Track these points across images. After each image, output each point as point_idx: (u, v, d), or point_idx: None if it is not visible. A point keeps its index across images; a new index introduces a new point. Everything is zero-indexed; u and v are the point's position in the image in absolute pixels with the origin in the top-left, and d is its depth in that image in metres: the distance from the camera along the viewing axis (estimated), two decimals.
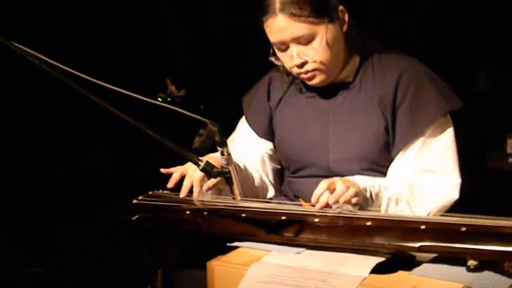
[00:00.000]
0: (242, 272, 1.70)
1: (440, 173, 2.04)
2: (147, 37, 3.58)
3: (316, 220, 1.78)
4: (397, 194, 2.00)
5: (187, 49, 3.42)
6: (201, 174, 1.98)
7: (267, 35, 2.08)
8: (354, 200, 1.86)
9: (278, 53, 2.11)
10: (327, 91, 2.16)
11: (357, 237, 1.72)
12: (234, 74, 2.49)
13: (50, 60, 1.69)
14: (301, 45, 2.05)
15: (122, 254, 2.01)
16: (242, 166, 2.20)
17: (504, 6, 3.00)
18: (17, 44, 1.69)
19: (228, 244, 1.85)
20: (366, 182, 1.98)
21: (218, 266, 1.76)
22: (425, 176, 2.04)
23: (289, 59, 2.08)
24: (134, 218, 1.97)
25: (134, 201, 2.03)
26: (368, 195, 1.96)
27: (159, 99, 1.91)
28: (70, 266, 3.24)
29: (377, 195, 1.98)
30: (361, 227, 1.72)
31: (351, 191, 1.85)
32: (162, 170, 2.06)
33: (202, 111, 1.87)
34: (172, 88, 2.42)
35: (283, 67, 2.16)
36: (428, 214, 1.98)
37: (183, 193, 2.03)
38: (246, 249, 1.83)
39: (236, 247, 1.84)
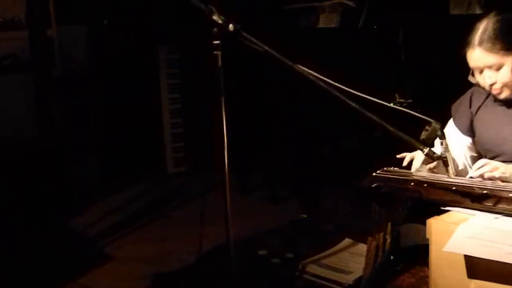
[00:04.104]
0: (452, 229, 1.64)
1: None
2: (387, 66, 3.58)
3: (511, 195, 1.65)
4: None
5: (415, 74, 3.44)
6: (423, 157, 1.95)
7: (467, 61, 2.00)
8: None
9: (475, 74, 2.03)
10: None
11: None
12: (446, 89, 2.43)
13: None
14: (492, 71, 1.94)
15: (365, 210, 2.01)
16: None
17: None
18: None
19: (442, 208, 1.78)
20: None
21: (435, 223, 1.71)
22: None
23: (483, 79, 1.99)
24: (374, 185, 1.95)
25: (374, 174, 2.00)
26: None
27: (392, 104, 1.89)
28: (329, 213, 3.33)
29: None
30: None
31: (497, 173, 1.83)
32: (398, 156, 2.03)
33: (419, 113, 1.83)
34: (398, 98, 2.38)
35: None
36: None
37: (412, 166, 1.99)
38: (456, 213, 1.75)
39: (448, 211, 1.77)
